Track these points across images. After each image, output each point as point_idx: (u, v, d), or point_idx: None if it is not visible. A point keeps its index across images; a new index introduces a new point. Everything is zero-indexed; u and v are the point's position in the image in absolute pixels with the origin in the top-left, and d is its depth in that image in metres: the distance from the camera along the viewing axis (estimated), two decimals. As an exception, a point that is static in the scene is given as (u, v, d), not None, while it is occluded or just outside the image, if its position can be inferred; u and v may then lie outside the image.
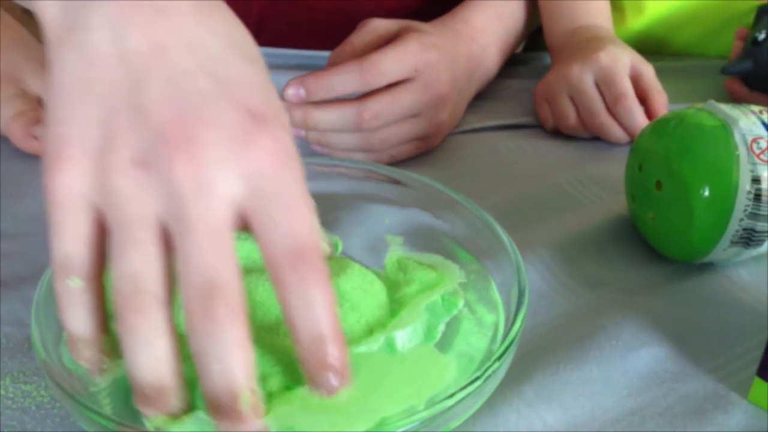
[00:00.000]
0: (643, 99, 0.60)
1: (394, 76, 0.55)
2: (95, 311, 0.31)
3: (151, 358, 0.29)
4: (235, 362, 0.28)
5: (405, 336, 0.35)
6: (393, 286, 0.39)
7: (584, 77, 0.60)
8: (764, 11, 0.65)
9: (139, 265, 0.28)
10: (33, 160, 0.57)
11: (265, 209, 0.29)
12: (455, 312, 0.37)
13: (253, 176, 0.29)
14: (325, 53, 0.63)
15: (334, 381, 0.29)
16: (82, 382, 0.32)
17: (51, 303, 0.34)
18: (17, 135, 0.57)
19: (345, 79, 0.54)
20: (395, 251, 0.41)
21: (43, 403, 0.38)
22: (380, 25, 0.59)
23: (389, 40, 0.57)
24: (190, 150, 0.28)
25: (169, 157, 0.28)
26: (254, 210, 0.29)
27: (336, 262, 0.38)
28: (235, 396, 0.28)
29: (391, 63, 0.54)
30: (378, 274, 0.39)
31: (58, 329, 0.33)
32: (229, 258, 0.28)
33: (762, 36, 0.62)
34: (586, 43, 0.64)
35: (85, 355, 0.31)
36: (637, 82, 0.60)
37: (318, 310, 0.29)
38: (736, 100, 0.66)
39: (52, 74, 0.30)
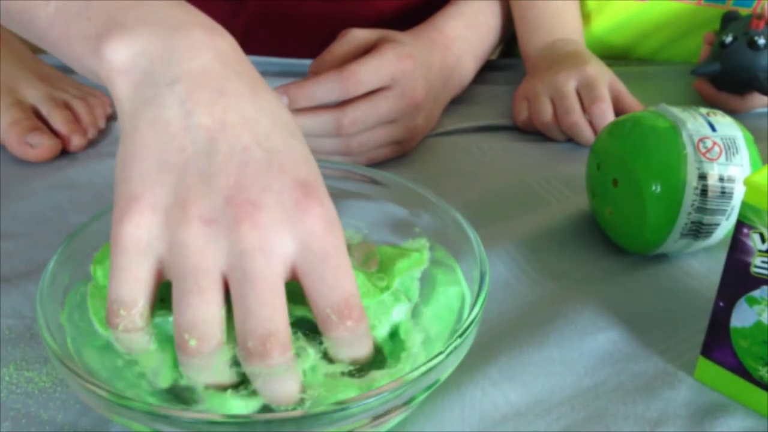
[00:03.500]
0: (621, 113, 0.64)
1: (372, 84, 0.58)
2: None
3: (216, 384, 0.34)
4: (289, 389, 0.34)
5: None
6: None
7: (568, 82, 0.65)
8: (729, 17, 0.69)
9: (201, 313, 0.33)
10: (29, 165, 0.60)
11: (315, 269, 0.33)
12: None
13: (304, 238, 0.33)
14: (307, 61, 0.66)
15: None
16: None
17: (53, 292, 0.37)
18: (13, 142, 0.60)
19: (325, 89, 0.57)
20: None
21: (45, 388, 0.41)
22: (359, 35, 0.62)
23: (367, 49, 0.61)
24: (251, 213, 0.32)
25: (235, 217, 0.32)
26: (304, 268, 0.33)
27: None
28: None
29: (368, 73, 0.58)
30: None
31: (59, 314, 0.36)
32: (282, 310, 0.33)
33: (729, 39, 0.66)
34: (571, 56, 0.68)
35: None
36: (616, 98, 0.64)
37: (358, 347, 0.35)
38: (706, 100, 0.70)
39: (125, 141, 0.34)
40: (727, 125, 0.48)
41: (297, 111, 0.57)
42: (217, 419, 0.30)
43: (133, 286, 0.33)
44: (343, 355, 0.35)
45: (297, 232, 0.33)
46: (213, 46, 0.35)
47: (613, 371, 0.42)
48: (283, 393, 0.33)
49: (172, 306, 0.33)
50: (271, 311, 0.33)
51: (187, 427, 0.30)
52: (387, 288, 0.39)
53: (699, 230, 0.47)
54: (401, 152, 0.63)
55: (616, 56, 0.80)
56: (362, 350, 0.35)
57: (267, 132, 0.34)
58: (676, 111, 0.49)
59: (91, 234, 0.40)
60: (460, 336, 0.34)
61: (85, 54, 0.35)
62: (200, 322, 0.33)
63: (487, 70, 0.76)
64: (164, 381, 0.35)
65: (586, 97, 0.64)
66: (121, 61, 0.34)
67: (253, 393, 0.34)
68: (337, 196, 0.46)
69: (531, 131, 0.67)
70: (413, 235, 0.44)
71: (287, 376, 0.34)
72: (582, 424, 0.39)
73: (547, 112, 0.65)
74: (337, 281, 0.34)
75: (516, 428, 0.39)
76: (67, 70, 0.65)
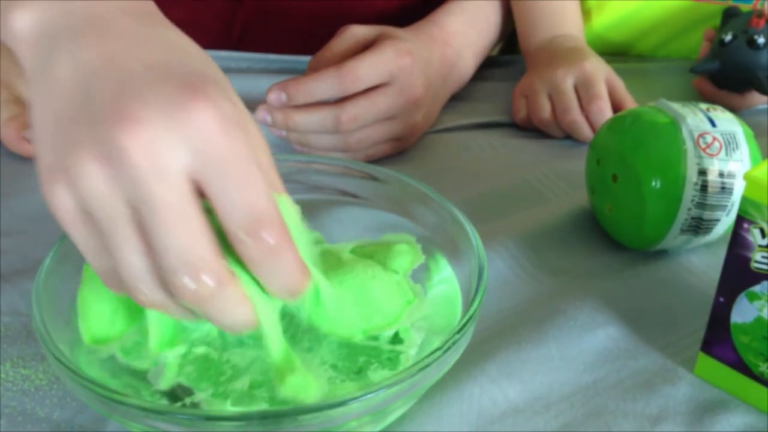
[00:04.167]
0: (617, 108, 0.63)
1: (370, 81, 0.58)
2: (155, 273, 0.31)
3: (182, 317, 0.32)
4: (240, 313, 0.31)
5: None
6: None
7: (566, 79, 0.65)
8: (730, 14, 0.69)
9: (135, 262, 0.30)
10: (27, 161, 0.60)
11: (215, 179, 0.29)
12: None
13: (197, 145, 0.29)
14: (306, 58, 0.66)
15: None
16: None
17: (48, 289, 0.37)
18: (10, 138, 0.60)
19: (324, 85, 0.57)
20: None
21: (41, 386, 0.40)
22: (358, 32, 0.62)
23: (366, 45, 0.60)
24: (130, 127, 0.28)
25: (116, 139, 0.28)
26: (205, 182, 0.29)
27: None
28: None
29: (367, 69, 0.57)
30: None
31: (55, 312, 0.36)
32: (200, 231, 0.30)
33: (728, 37, 0.66)
34: (569, 52, 0.68)
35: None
36: (611, 92, 0.64)
37: (283, 271, 0.31)
38: (705, 98, 0.69)
39: (29, 109, 0.32)
40: (727, 121, 0.47)
41: (296, 108, 0.57)
42: (213, 414, 0.30)
43: (100, 257, 0.31)
44: (274, 286, 0.32)
45: (186, 137, 0.29)
46: (115, 2, 0.33)
47: (612, 368, 0.42)
48: (233, 316, 0.31)
49: (115, 262, 0.30)
50: (187, 239, 0.29)
51: (183, 423, 0.30)
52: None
53: (699, 226, 0.47)
54: (400, 149, 0.63)
55: (615, 53, 0.80)
56: (293, 276, 0.32)
57: (157, 53, 0.31)
58: (676, 106, 0.48)
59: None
60: (458, 332, 0.34)
61: (2, 27, 0.33)
62: (137, 271, 0.30)
63: (487, 66, 0.76)
64: (165, 383, 0.35)
65: (584, 94, 0.64)
66: (23, 30, 0.32)
67: (255, 402, 0.34)
68: (335, 195, 0.46)
69: (530, 128, 0.67)
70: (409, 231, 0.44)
71: (231, 300, 0.31)
72: (581, 422, 0.39)
73: (545, 110, 0.65)
74: (242, 195, 0.30)
75: (514, 425, 0.39)
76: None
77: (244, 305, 0.31)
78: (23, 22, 0.32)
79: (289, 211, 0.33)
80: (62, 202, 0.30)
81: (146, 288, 0.31)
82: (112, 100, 0.29)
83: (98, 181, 0.29)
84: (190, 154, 0.29)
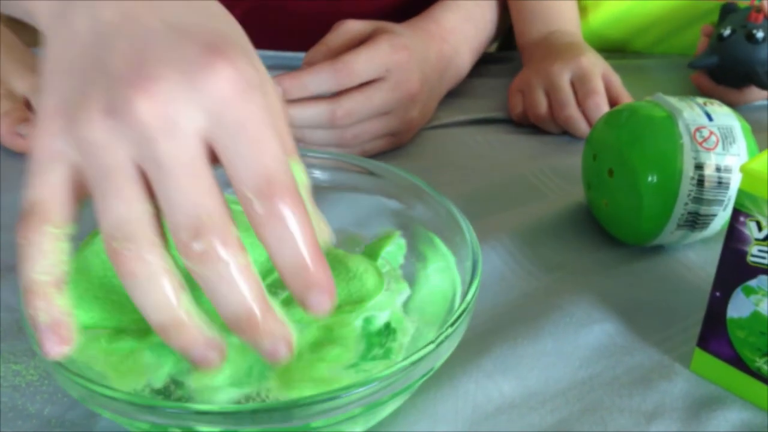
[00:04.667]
0: (614, 103, 0.63)
1: (366, 76, 0.58)
2: (61, 260, 0.31)
3: (160, 298, 0.30)
4: (243, 287, 0.29)
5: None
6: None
7: (562, 74, 0.64)
8: (728, 9, 0.69)
9: (124, 212, 0.29)
10: (21, 157, 0.59)
11: (229, 141, 0.29)
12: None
13: (212, 107, 0.29)
14: (301, 54, 0.66)
15: (322, 299, 0.31)
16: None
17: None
18: (4, 133, 0.60)
19: (319, 79, 0.57)
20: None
21: (32, 381, 0.40)
22: (353, 27, 0.62)
23: (362, 40, 0.60)
24: (146, 87, 0.28)
25: (130, 98, 0.28)
26: (218, 144, 0.29)
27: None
28: (250, 313, 0.30)
29: (363, 64, 0.57)
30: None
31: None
32: (209, 191, 0.29)
33: (727, 32, 0.66)
34: (566, 47, 0.68)
35: (46, 307, 0.30)
36: (608, 87, 0.64)
37: (295, 241, 0.29)
38: (703, 93, 0.69)
39: (43, 60, 0.32)
40: (724, 115, 0.47)
41: (291, 102, 0.57)
42: (201, 409, 0.30)
43: (40, 189, 0.30)
44: (284, 259, 0.30)
45: (203, 99, 0.29)
46: None
47: (608, 363, 0.42)
48: (235, 296, 0.29)
49: (97, 215, 0.30)
50: (196, 197, 0.29)
51: (172, 417, 0.30)
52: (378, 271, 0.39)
53: (695, 221, 0.47)
54: (397, 144, 0.62)
55: (612, 50, 0.80)
56: (305, 249, 0.30)
57: (179, 12, 0.30)
58: (673, 101, 0.48)
59: (80, 225, 0.39)
60: (452, 325, 0.34)
61: None
62: (124, 223, 0.29)
63: (483, 62, 0.75)
64: (158, 381, 0.35)
65: (580, 89, 0.64)
66: None
67: (246, 383, 0.34)
68: (330, 188, 0.46)
69: (526, 124, 0.67)
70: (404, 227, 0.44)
71: (237, 274, 0.29)
72: (576, 417, 0.39)
73: (542, 106, 0.65)
74: (255, 158, 0.29)
75: (509, 421, 0.38)
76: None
77: (251, 279, 0.30)
78: None
79: (301, 178, 0.32)
80: (47, 140, 0.29)
81: (135, 245, 0.29)
82: (129, 56, 0.29)
83: (101, 131, 0.29)
84: (205, 115, 0.29)
